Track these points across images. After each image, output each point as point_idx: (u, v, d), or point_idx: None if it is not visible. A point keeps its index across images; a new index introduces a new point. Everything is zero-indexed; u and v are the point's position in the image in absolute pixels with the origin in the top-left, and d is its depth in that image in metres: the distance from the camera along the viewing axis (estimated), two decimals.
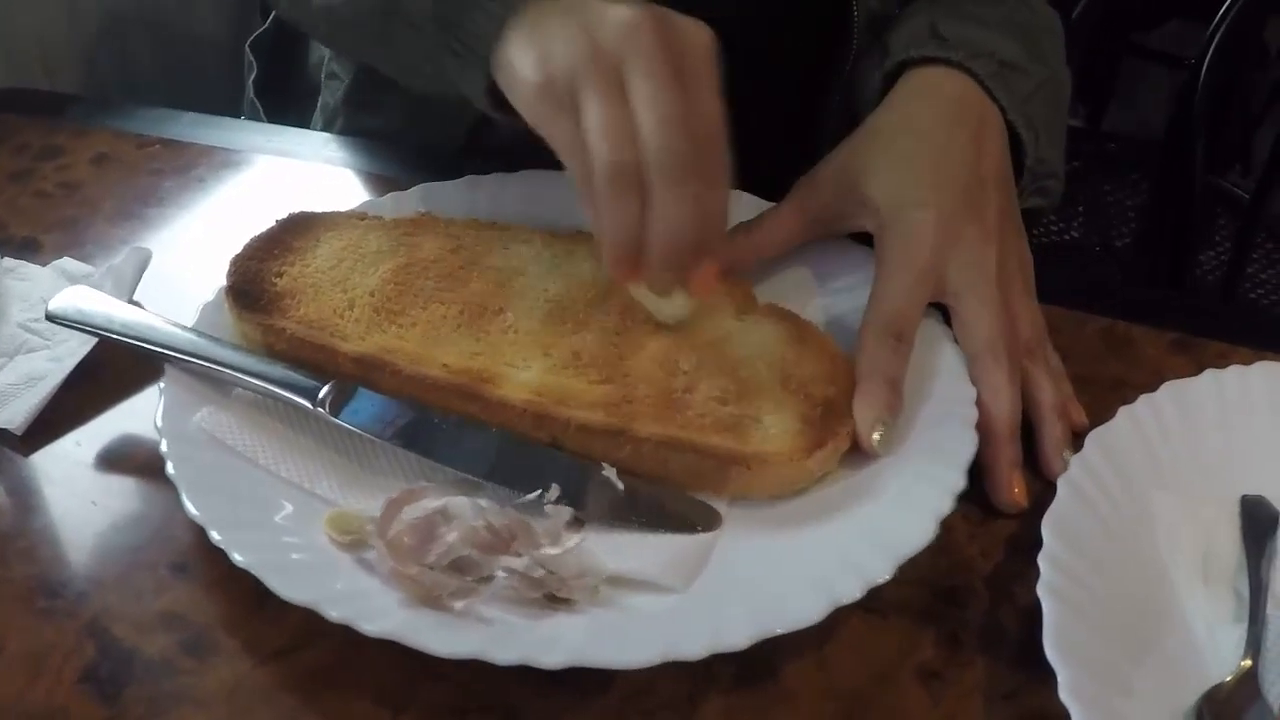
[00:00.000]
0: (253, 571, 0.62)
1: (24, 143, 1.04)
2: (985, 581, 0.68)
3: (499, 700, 0.61)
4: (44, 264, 0.88)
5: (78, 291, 0.78)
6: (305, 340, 0.74)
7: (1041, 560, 0.63)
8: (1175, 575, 0.65)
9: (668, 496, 0.69)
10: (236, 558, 0.63)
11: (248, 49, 1.23)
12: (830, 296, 0.82)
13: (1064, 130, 0.90)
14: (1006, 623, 0.65)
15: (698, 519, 0.68)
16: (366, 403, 0.71)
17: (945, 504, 0.66)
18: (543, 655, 0.59)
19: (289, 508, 0.68)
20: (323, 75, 1.15)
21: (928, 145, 0.80)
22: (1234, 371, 0.74)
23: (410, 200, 0.87)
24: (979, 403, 0.72)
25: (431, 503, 0.66)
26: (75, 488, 0.73)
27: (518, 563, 0.64)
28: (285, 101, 1.20)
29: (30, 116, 1.07)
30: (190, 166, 1.01)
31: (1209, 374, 0.74)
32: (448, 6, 0.74)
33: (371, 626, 0.60)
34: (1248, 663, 0.61)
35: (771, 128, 0.94)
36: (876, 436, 0.70)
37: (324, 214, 0.83)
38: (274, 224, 0.82)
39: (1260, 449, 0.71)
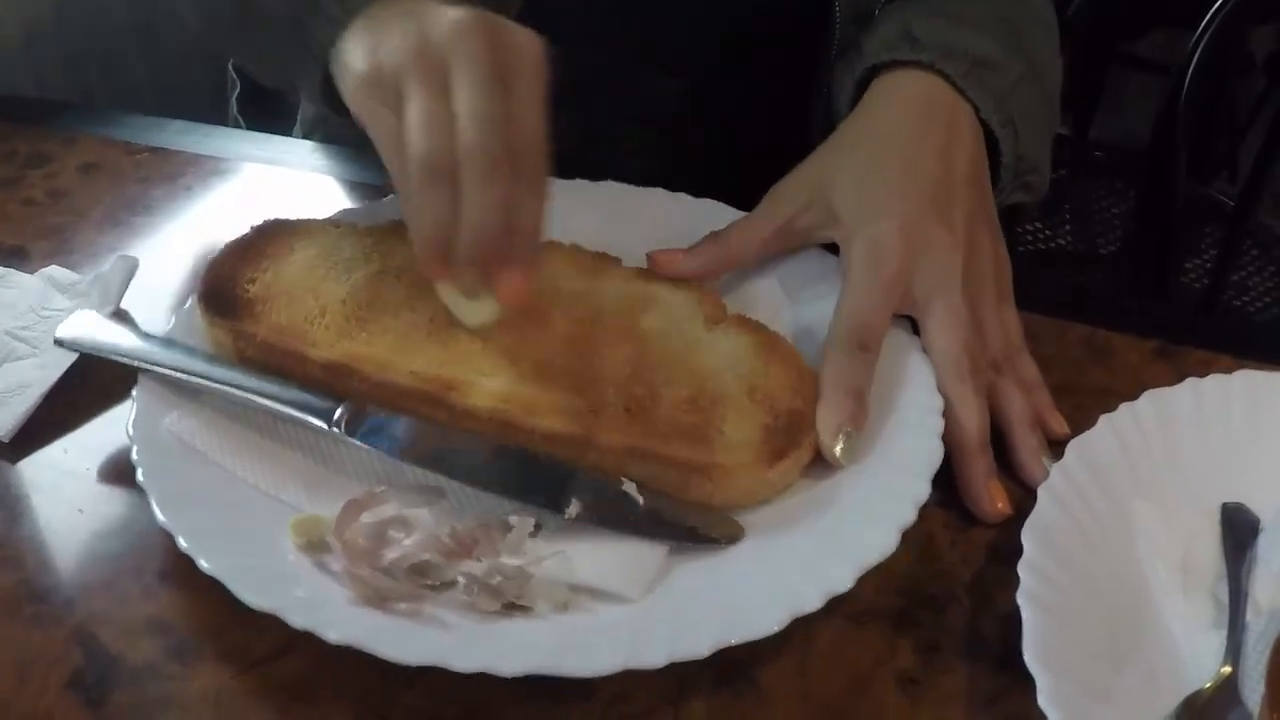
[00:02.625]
0: (218, 578, 0.62)
1: (12, 150, 1.04)
2: (965, 589, 0.68)
3: (478, 707, 0.62)
4: (32, 272, 0.88)
5: (86, 317, 0.79)
6: (275, 346, 0.74)
7: (1021, 568, 0.63)
8: (1155, 583, 0.66)
9: (689, 510, 0.69)
10: (203, 564, 0.63)
11: (230, 67, 1.24)
12: (800, 306, 0.82)
13: (1052, 124, 0.90)
14: (987, 629, 0.66)
15: (720, 532, 0.68)
16: (381, 422, 0.71)
17: (908, 514, 0.66)
18: (502, 663, 0.59)
19: (255, 514, 0.68)
20: None
21: (894, 152, 0.80)
22: (1214, 380, 0.74)
23: (385, 209, 0.87)
24: (946, 416, 0.72)
25: (390, 509, 0.67)
26: (62, 495, 0.73)
27: (478, 568, 0.64)
28: (268, 118, 1.20)
29: (18, 124, 1.07)
30: (178, 175, 1.01)
31: (1190, 383, 0.74)
32: (295, 8, 0.76)
33: (333, 633, 0.60)
34: (1228, 669, 0.61)
35: (758, 131, 0.94)
36: (839, 447, 0.70)
37: (299, 221, 0.83)
38: (249, 231, 0.81)
39: (1240, 457, 0.72)
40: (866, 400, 0.72)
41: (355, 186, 1.00)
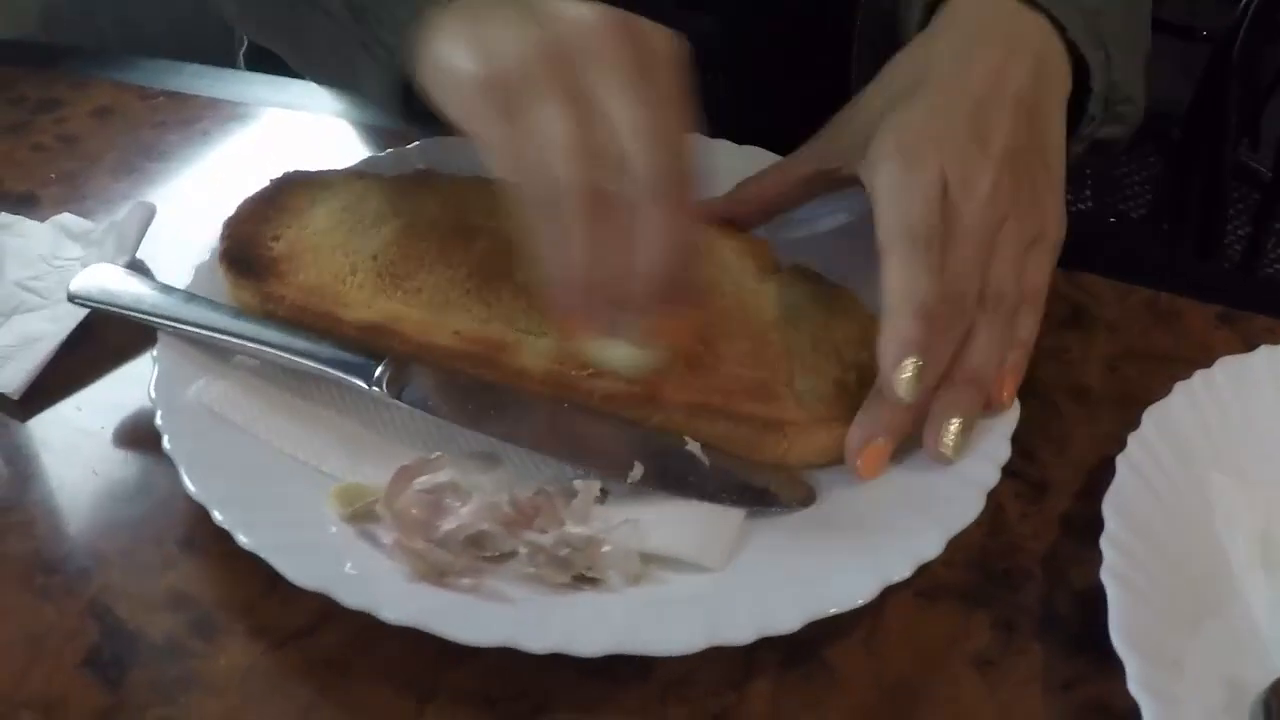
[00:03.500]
0: (260, 555, 0.59)
1: (20, 95, 1.01)
2: (1039, 563, 0.65)
3: (531, 687, 0.58)
4: (42, 220, 0.85)
5: (101, 270, 0.75)
6: (307, 308, 0.70)
7: (1104, 544, 0.60)
8: (1235, 558, 0.63)
9: (754, 470, 0.66)
10: (242, 539, 0.59)
11: None
12: (857, 256, 0.73)
13: (1145, 47, 0.81)
14: (1063, 608, 0.63)
15: (789, 494, 0.65)
16: (427, 380, 0.67)
17: (991, 476, 0.63)
18: (578, 643, 0.56)
19: (295, 485, 0.65)
20: None
21: (941, 78, 0.71)
22: None
23: (411, 156, 0.83)
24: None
25: (445, 475, 0.63)
26: (75, 456, 0.70)
27: (544, 539, 0.61)
28: (276, 73, 1.17)
29: (26, 68, 1.05)
30: (195, 119, 0.98)
31: (1264, 350, 0.71)
32: None
33: (390, 613, 0.57)
34: None
35: (793, 71, 0.89)
36: (904, 379, 0.62)
37: (320, 173, 0.79)
38: (268, 184, 0.78)
39: None
40: (941, 319, 0.63)
41: (374, 130, 0.97)
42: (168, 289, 0.73)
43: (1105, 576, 0.59)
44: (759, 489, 0.64)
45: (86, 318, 0.76)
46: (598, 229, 0.57)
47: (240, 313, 0.71)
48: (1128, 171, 2.43)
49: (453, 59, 0.61)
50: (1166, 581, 0.60)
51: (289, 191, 0.77)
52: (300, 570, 0.58)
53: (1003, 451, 0.65)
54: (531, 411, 0.67)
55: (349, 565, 0.60)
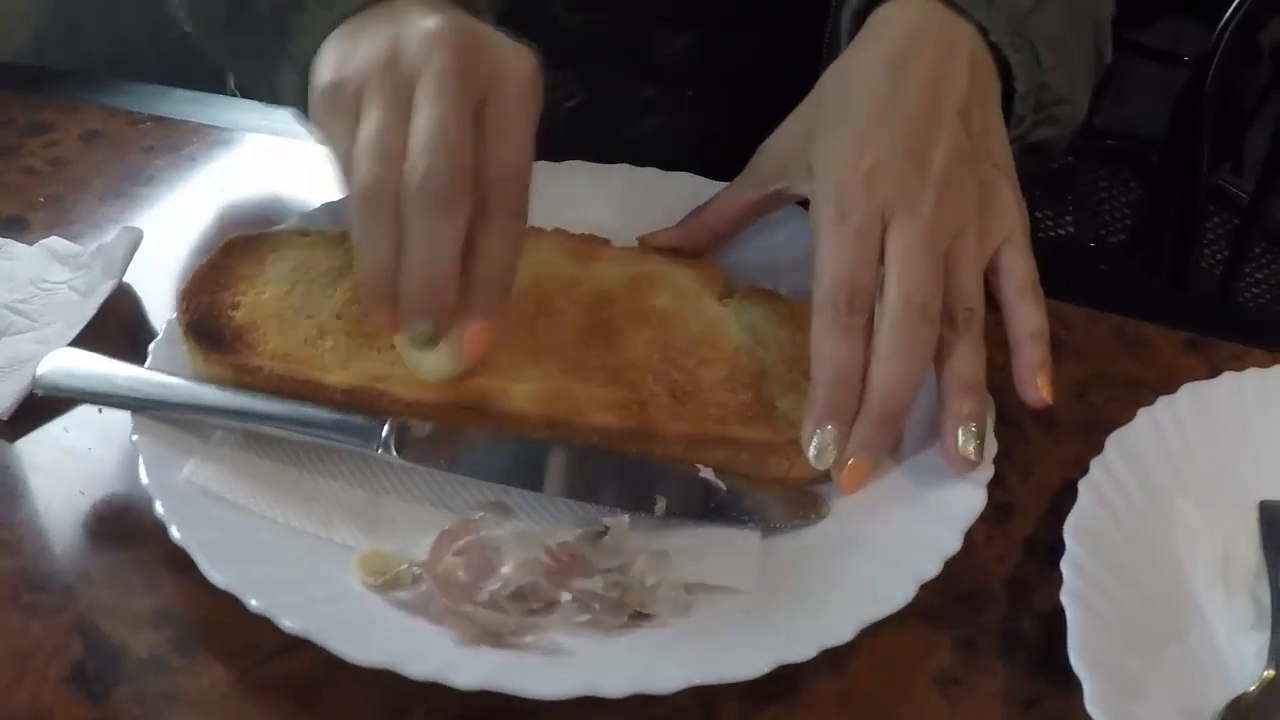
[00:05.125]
0: (311, 638, 0.57)
1: (10, 118, 1.02)
2: (1003, 585, 0.66)
3: (508, 706, 0.58)
4: (31, 243, 0.86)
5: (67, 355, 0.71)
6: (287, 377, 0.68)
7: (1065, 566, 0.61)
8: (1196, 582, 0.64)
9: (768, 490, 0.67)
10: (287, 624, 0.58)
11: None
12: (800, 272, 0.74)
13: (1090, 50, 0.82)
14: (1025, 628, 0.64)
15: (806, 509, 0.66)
16: (438, 437, 0.66)
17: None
18: (658, 681, 0.56)
19: (313, 559, 0.63)
20: None
21: (871, 94, 0.71)
22: (1252, 374, 0.73)
23: (346, 208, 0.81)
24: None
25: (487, 533, 0.63)
26: (62, 476, 0.71)
27: (593, 584, 0.61)
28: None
29: (17, 91, 1.05)
30: (182, 144, 0.99)
31: (1227, 376, 0.73)
32: (280, 8, 0.70)
33: (463, 679, 0.56)
34: (1270, 673, 0.59)
35: (770, 86, 0.90)
36: (813, 450, 0.65)
37: (264, 234, 0.77)
38: (215, 251, 0.75)
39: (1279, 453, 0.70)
40: (857, 386, 0.65)
41: None
42: (139, 370, 0.70)
43: (1065, 598, 0.60)
44: (779, 508, 0.66)
45: (75, 340, 0.76)
46: (374, 229, 0.60)
47: (223, 387, 0.69)
48: (1109, 196, 2.44)
49: (318, 67, 0.66)
50: (1127, 603, 0.61)
51: (237, 256, 0.75)
52: (360, 649, 0.57)
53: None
54: (544, 457, 0.66)
55: (399, 638, 0.59)
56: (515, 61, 0.64)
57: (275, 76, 0.73)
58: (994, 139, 0.72)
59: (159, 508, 0.63)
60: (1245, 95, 2.22)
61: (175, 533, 0.62)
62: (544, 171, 0.76)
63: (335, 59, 0.65)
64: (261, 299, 0.72)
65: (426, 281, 0.60)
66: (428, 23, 0.63)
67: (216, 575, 0.60)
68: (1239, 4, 1.39)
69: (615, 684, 0.56)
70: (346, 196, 0.81)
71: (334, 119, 0.63)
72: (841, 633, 0.59)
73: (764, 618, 0.61)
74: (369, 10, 0.67)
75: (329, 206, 0.82)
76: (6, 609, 0.64)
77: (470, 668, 0.57)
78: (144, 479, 0.65)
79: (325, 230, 0.78)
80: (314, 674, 0.60)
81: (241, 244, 0.76)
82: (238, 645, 0.61)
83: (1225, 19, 1.39)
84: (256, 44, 0.76)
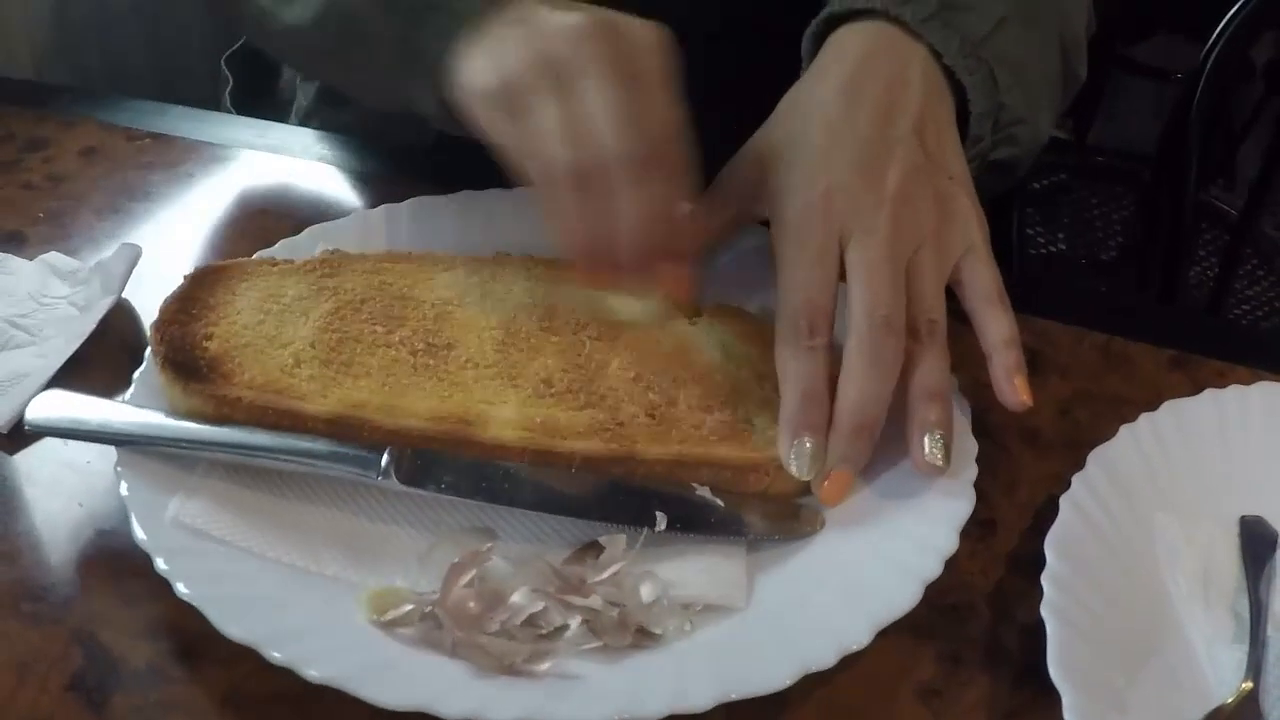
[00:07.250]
0: (338, 687, 0.57)
1: (9, 133, 1.02)
2: (985, 599, 0.67)
3: None
4: (30, 258, 0.87)
5: (56, 397, 0.71)
6: (266, 406, 0.68)
7: (1045, 580, 0.62)
8: (1175, 596, 0.65)
9: (767, 505, 0.68)
10: (313, 674, 0.58)
11: (223, 64, 1.23)
12: (769, 289, 0.75)
13: (1053, 72, 0.83)
14: (1007, 641, 0.65)
15: (803, 523, 0.67)
16: (439, 464, 0.67)
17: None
18: (692, 699, 0.57)
19: (313, 597, 0.63)
20: (298, 80, 1.14)
21: (827, 116, 0.74)
22: (1234, 391, 0.74)
23: (307, 241, 0.82)
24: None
25: (494, 564, 0.64)
26: (61, 488, 0.72)
27: (595, 603, 0.61)
28: (262, 115, 1.19)
29: (16, 107, 1.06)
30: (179, 161, 1.00)
31: (1209, 393, 0.74)
32: (404, 28, 0.75)
33: (498, 714, 0.56)
34: (1248, 685, 0.60)
35: (760, 100, 0.91)
36: (793, 461, 0.67)
37: (232, 264, 0.77)
38: (184, 282, 0.75)
39: (1259, 469, 0.71)
40: (825, 398, 0.67)
41: (355, 174, 0.99)
42: (127, 408, 0.70)
43: (1045, 611, 0.61)
44: (775, 522, 0.67)
45: (73, 355, 0.77)
46: (584, 200, 0.66)
47: (211, 422, 0.68)
48: (1101, 213, 2.44)
49: (468, 76, 0.71)
50: (1107, 617, 0.62)
51: (207, 286, 0.75)
52: (391, 693, 0.57)
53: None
54: (542, 479, 0.67)
55: (422, 675, 0.59)
56: (647, 34, 0.68)
57: (405, 90, 0.77)
58: (949, 153, 0.74)
59: (159, 564, 0.63)
60: (1238, 112, 2.23)
61: (182, 589, 0.61)
62: (512, 198, 0.81)
63: (486, 67, 0.70)
64: (234, 329, 0.72)
65: (644, 237, 0.66)
66: (568, 20, 0.68)
67: (235, 631, 0.60)
68: (1228, 22, 1.40)
69: (651, 706, 0.57)
70: (351, 215, 0.85)
71: (503, 120, 0.68)
72: (859, 636, 0.60)
73: (778, 629, 0.62)
74: (490, 18, 0.71)
75: (289, 241, 0.82)
76: (6, 619, 0.65)
77: (505, 702, 0.57)
78: (139, 535, 0.64)
79: (290, 260, 0.78)
80: (310, 684, 0.60)
81: (210, 274, 0.76)
82: (235, 655, 0.61)
83: (1214, 38, 1.40)
84: (373, 64, 0.80)
